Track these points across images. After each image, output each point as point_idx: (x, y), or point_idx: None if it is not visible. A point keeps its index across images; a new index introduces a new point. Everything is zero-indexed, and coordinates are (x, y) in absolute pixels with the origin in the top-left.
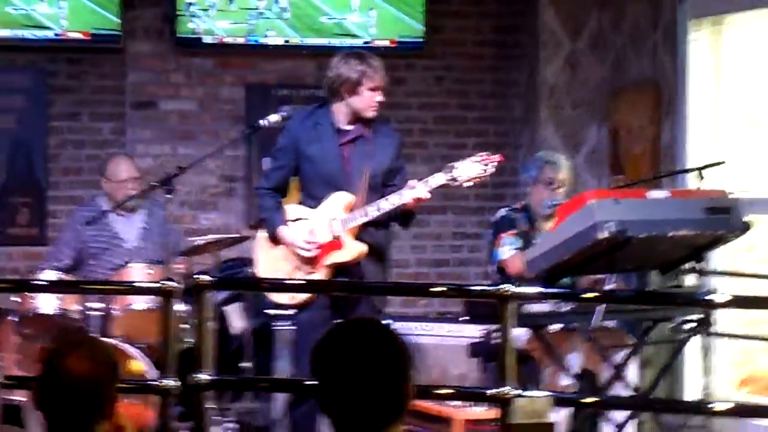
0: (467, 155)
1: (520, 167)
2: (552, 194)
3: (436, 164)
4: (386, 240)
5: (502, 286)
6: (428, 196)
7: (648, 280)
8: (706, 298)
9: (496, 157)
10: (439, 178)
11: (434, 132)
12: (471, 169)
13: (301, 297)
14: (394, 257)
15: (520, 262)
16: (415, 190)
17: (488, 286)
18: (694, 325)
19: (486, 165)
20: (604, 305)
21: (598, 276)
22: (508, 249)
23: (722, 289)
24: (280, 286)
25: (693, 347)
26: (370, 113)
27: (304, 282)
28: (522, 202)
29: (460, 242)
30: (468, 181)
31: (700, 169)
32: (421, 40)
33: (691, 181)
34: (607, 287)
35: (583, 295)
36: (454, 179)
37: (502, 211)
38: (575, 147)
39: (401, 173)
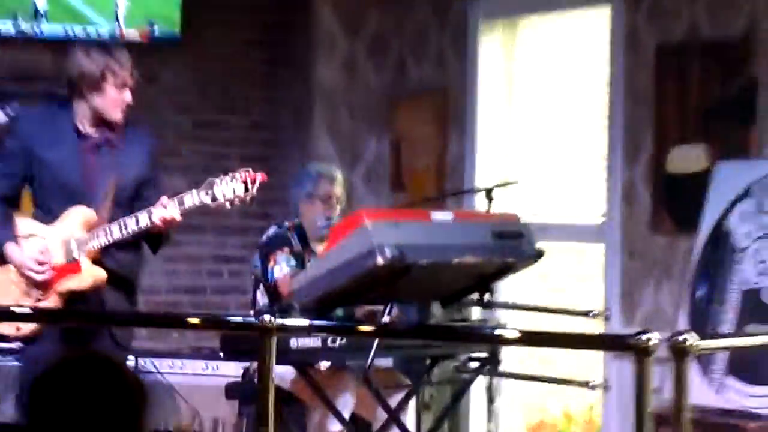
0: (230, 167)
1: (291, 181)
2: (328, 212)
3: (195, 176)
4: (135, 264)
5: (263, 318)
6: (179, 218)
7: (430, 312)
8: (494, 333)
9: (259, 177)
10: (194, 197)
11: (192, 139)
12: (232, 188)
13: (28, 328)
14: (143, 282)
15: (290, 283)
16: (165, 210)
17: (250, 317)
18: (479, 363)
19: (247, 184)
20: (377, 340)
21: (375, 307)
22: (281, 268)
23: (512, 324)
24: (2, 314)
25: (478, 388)
26: (117, 115)
27: (31, 310)
28: (293, 220)
29: (220, 266)
30: (229, 201)
31: (489, 189)
32: (178, 32)
33: (480, 202)
34: (384, 320)
35: (357, 329)
36: (214, 198)
37: (272, 230)
38: (352, 160)
39: (156, 186)
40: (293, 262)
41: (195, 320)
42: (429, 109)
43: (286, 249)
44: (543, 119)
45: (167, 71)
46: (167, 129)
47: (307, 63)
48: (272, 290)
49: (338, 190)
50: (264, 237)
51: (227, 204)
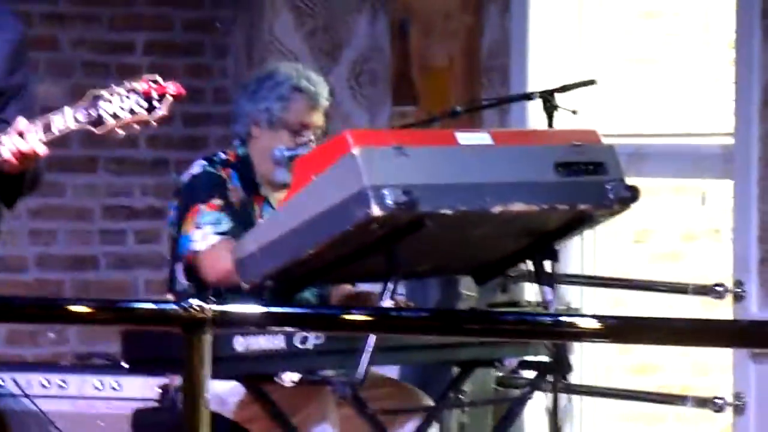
0: (129, 73)
1: (233, 89)
2: (296, 143)
3: (77, 85)
4: None
5: (191, 303)
6: (43, 150)
7: (458, 292)
8: (560, 323)
9: (171, 89)
10: (67, 119)
11: (72, 26)
12: (128, 105)
13: None
14: (1, 254)
15: (227, 259)
16: (20, 139)
17: (167, 303)
18: (537, 372)
19: (151, 100)
20: (373, 337)
21: (369, 287)
22: (206, 233)
23: (589, 309)
24: None
25: (535, 410)
26: None
27: None
28: (233, 150)
29: (117, 224)
30: (121, 125)
31: (548, 94)
32: None
33: (534, 116)
34: (384, 305)
35: (342, 318)
36: (98, 120)
37: (199, 166)
38: (331, 51)
39: (20, 99)
40: (225, 225)
41: (82, 309)
42: None
43: (216, 201)
44: None
45: None
46: (33, 4)
47: None
48: (190, 268)
49: (320, 119)
50: (185, 177)
51: (118, 130)
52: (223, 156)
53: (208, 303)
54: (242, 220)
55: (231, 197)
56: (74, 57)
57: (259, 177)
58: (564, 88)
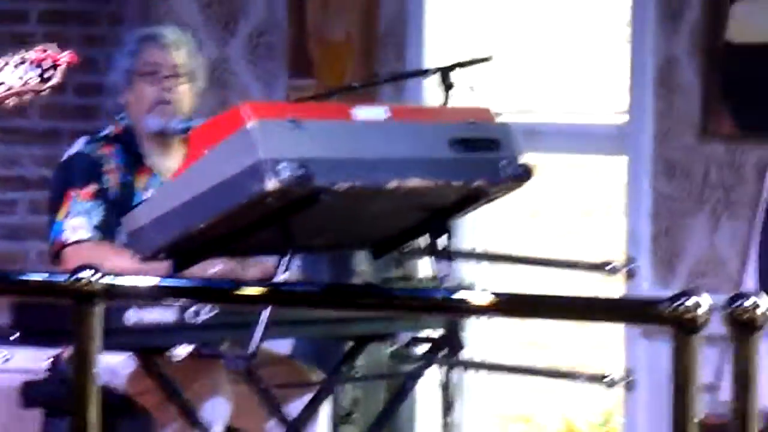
0: (19, 37)
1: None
2: (159, 92)
3: None
4: None
5: (82, 274)
6: None
7: (352, 266)
8: (453, 298)
9: (65, 57)
10: None
11: None
12: (18, 73)
13: None
14: None
15: (87, 257)
16: None
17: (57, 274)
18: (430, 347)
19: (45, 68)
20: (267, 311)
21: (264, 260)
22: (76, 225)
23: (481, 284)
24: None
25: (428, 387)
26: None
27: None
28: (118, 123)
29: (8, 195)
30: (14, 94)
31: (445, 70)
32: None
33: (431, 92)
34: (277, 279)
35: (235, 292)
36: None
37: (81, 143)
38: (227, 23)
39: None
40: (99, 216)
41: None
42: None
43: (92, 187)
44: None
45: None
46: None
47: None
48: (54, 253)
49: (177, 57)
50: (64, 155)
51: (9, 101)
52: (107, 132)
53: (100, 275)
54: (119, 205)
55: (108, 182)
56: None
57: (144, 144)
58: (460, 65)
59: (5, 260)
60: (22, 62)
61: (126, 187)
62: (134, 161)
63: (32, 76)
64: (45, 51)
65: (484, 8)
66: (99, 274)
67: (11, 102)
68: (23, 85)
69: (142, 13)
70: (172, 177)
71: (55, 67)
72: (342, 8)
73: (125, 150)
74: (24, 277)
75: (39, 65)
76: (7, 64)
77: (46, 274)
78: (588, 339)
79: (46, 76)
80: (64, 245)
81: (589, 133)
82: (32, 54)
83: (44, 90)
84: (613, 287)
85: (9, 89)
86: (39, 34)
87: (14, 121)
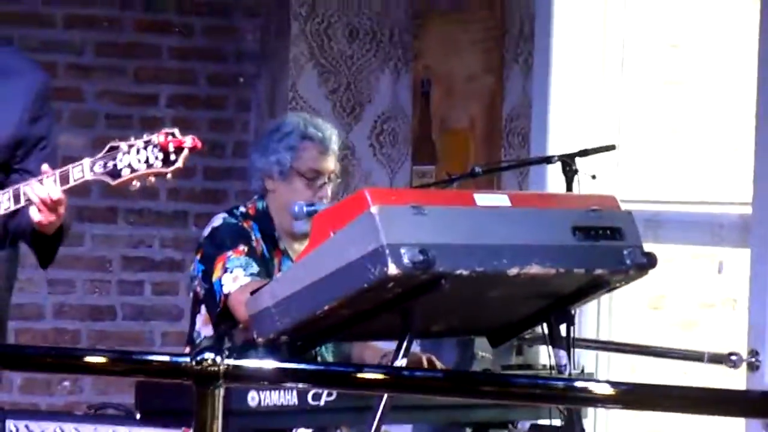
0: (152, 125)
1: (253, 143)
2: (313, 194)
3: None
4: (3, 272)
5: (204, 356)
6: (64, 200)
7: (472, 353)
8: (574, 388)
9: (188, 142)
10: (85, 170)
11: (97, 77)
12: (143, 156)
13: None
14: (16, 300)
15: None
16: (40, 187)
17: (181, 355)
18: None
19: (168, 152)
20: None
21: (384, 345)
22: (237, 276)
23: (603, 374)
24: None
25: None
26: None
27: None
28: (255, 204)
29: (136, 276)
30: (137, 177)
31: (569, 158)
32: None
33: (554, 179)
34: (397, 364)
35: (357, 376)
36: (115, 172)
37: (220, 219)
38: (353, 109)
39: (44, 150)
40: (254, 267)
41: (96, 360)
42: (476, 31)
43: (242, 248)
44: (654, 49)
45: None
46: (57, 55)
47: None
48: (221, 313)
49: (332, 163)
50: (206, 230)
51: (135, 182)
52: (243, 209)
53: (223, 356)
54: (264, 272)
55: (255, 249)
56: (98, 108)
57: (279, 229)
58: (584, 153)
59: (130, 340)
60: (147, 145)
61: (267, 260)
62: (270, 241)
63: (156, 160)
64: (170, 135)
65: (609, 96)
66: (221, 357)
67: (136, 184)
68: (148, 167)
69: (270, 98)
70: (296, 259)
71: (178, 151)
72: (466, 96)
73: (261, 230)
74: (148, 358)
75: (163, 149)
76: (132, 147)
77: (169, 356)
78: (709, 431)
79: (170, 159)
80: (228, 296)
81: (712, 224)
82: (157, 138)
83: (167, 173)
84: (735, 381)
85: (134, 172)
86: (168, 118)
87: (143, 202)
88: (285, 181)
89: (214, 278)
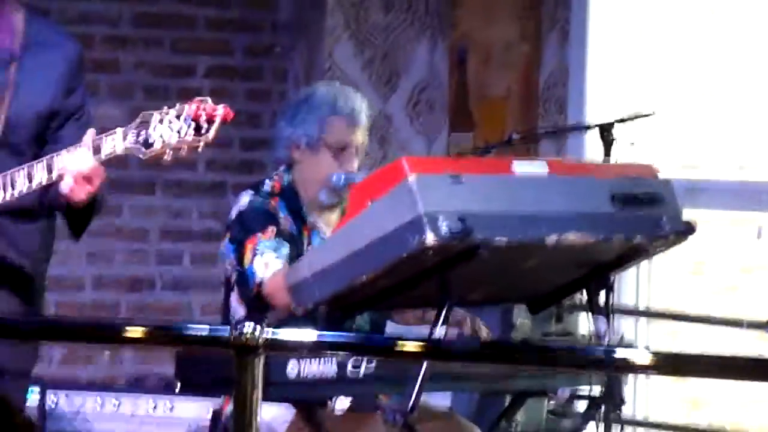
0: (185, 92)
1: (280, 112)
2: (340, 166)
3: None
4: (37, 246)
5: (244, 328)
6: (99, 171)
7: (511, 321)
8: (614, 356)
9: (220, 111)
10: (117, 142)
11: (133, 49)
12: (176, 128)
13: None
14: (54, 272)
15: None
16: (73, 158)
17: (220, 326)
18: (588, 404)
19: (199, 123)
20: (426, 365)
21: (425, 312)
22: (268, 261)
23: (644, 341)
24: None
25: None
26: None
27: None
28: (278, 179)
29: (176, 246)
30: (169, 150)
31: (606, 126)
32: None
33: (592, 147)
34: (436, 333)
35: (397, 347)
36: (147, 143)
37: (247, 196)
38: (389, 78)
39: (80, 120)
40: (285, 249)
41: (136, 331)
42: (513, 0)
43: (271, 229)
44: (693, 16)
45: None
46: (97, 26)
47: None
48: (255, 299)
49: (361, 135)
50: (234, 211)
51: (167, 153)
52: (268, 186)
53: (262, 327)
54: (295, 251)
55: (284, 228)
56: (135, 79)
57: (306, 204)
58: (622, 120)
59: (170, 311)
60: (179, 116)
61: (296, 238)
62: (298, 218)
63: (188, 131)
64: (201, 105)
65: (647, 63)
66: (260, 327)
67: (168, 156)
68: (180, 139)
69: (307, 69)
70: (333, 230)
71: (210, 121)
72: (503, 64)
73: (287, 206)
74: (188, 329)
75: (195, 120)
76: (164, 117)
77: (209, 327)
78: (749, 397)
79: (201, 130)
80: (263, 285)
81: (751, 190)
82: (189, 108)
83: (199, 144)
84: None
85: (165, 143)
86: (205, 89)
87: (180, 173)
88: (312, 152)
89: (246, 263)
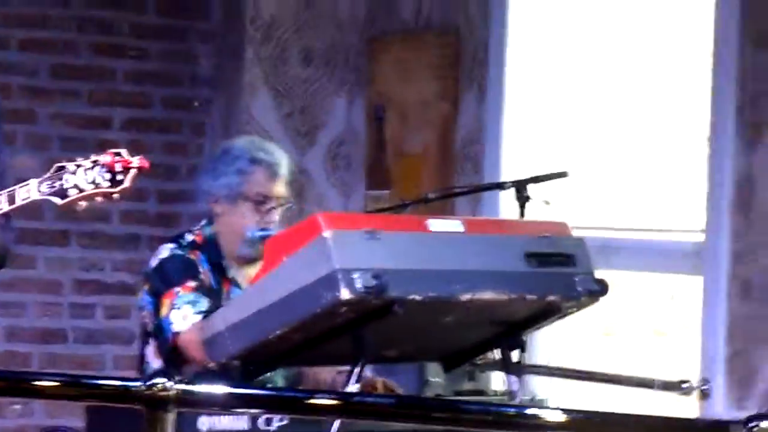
0: (102, 143)
1: (202, 166)
2: (261, 219)
3: (53, 158)
4: None
5: (155, 381)
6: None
7: (425, 378)
8: (526, 414)
9: (136, 162)
10: (31, 191)
11: (50, 100)
12: (90, 176)
13: None
14: None
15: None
16: None
17: (131, 380)
18: None
19: (115, 173)
20: (338, 423)
21: (341, 369)
22: (186, 314)
23: (555, 401)
24: None
25: None
26: None
27: None
28: (202, 230)
29: (87, 299)
30: (84, 197)
31: (521, 184)
32: None
33: (507, 205)
34: (349, 389)
35: (309, 401)
36: (62, 192)
37: (167, 249)
38: (307, 133)
39: None
40: (203, 304)
41: (47, 384)
42: (431, 57)
43: (190, 283)
44: (607, 77)
45: None
46: (12, 77)
47: None
48: (171, 352)
49: (281, 188)
50: (153, 261)
51: (81, 202)
52: (190, 238)
53: (174, 381)
54: (214, 305)
55: (203, 282)
56: (51, 131)
57: (226, 256)
58: (536, 179)
59: (82, 364)
60: (94, 166)
61: (215, 292)
62: (218, 271)
63: (103, 180)
64: (117, 155)
65: (563, 122)
66: (172, 381)
67: (82, 205)
68: (94, 188)
69: (225, 122)
70: (249, 283)
71: (126, 171)
72: (420, 121)
73: (208, 260)
74: (98, 382)
75: (110, 169)
76: (79, 167)
77: (120, 380)
78: None
79: (117, 180)
80: (178, 339)
81: (665, 251)
82: (104, 158)
83: (114, 194)
84: (686, 408)
85: (81, 192)
86: (122, 141)
87: (95, 225)
88: (233, 205)
89: (163, 315)
